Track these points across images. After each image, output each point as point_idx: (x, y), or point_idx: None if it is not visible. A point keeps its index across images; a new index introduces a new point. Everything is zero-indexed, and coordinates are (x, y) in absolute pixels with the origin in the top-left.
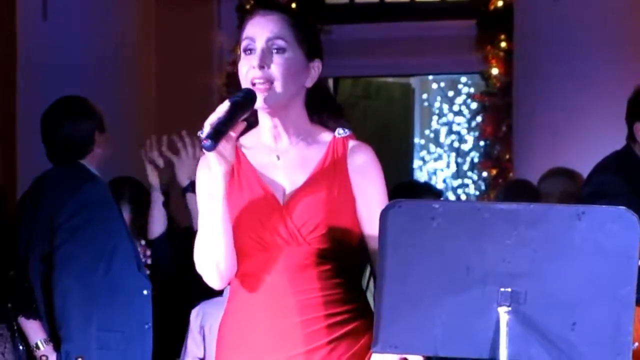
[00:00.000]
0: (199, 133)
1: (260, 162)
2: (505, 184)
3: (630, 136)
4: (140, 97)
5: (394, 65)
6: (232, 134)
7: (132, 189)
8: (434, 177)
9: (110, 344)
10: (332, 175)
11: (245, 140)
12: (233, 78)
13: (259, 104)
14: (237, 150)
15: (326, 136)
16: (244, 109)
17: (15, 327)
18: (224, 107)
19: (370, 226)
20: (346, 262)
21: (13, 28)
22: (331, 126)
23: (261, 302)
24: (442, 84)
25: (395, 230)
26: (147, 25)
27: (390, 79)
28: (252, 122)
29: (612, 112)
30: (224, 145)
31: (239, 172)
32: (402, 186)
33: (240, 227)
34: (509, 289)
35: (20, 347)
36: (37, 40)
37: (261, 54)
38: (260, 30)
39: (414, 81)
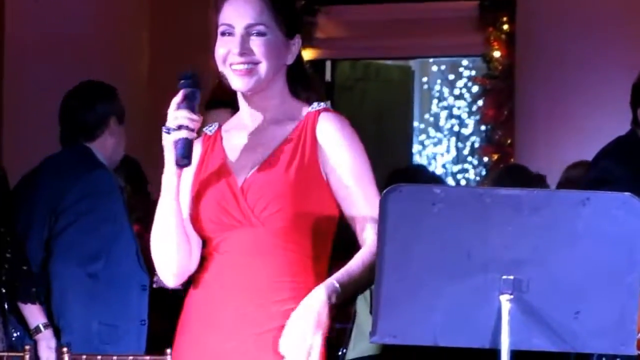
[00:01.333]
0: (163, 129)
1: (233, 144)
2: (500, 168)
3: (635, 121)
4: (131, 78)
5: (394, 47)
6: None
7: (129, 167)
8: (433, 162)
9: (104, 338)
10: (296, 150)
11: (229, 123)
12: None
13: (240, 87)
14: (218, 133)
15: (302, 109)
16: (195, 100)
17: (8, 312)
18: (182, 114)
19: (346, 202)
20: (311, 243)
21: (1, 8)
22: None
23: (219, 282)
24: (443, 67)
25: (395, 215)
26: (141, 5)
27: (389, 61)
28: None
29: (616, 96)
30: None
31: (210, 157)
32: (403, 170)
33: (203, 212)
34: (511, 277)
35: (16, 334)
36: (27, 21)
37: (241, 39)
38: (237, 16)
39: (414, 64)
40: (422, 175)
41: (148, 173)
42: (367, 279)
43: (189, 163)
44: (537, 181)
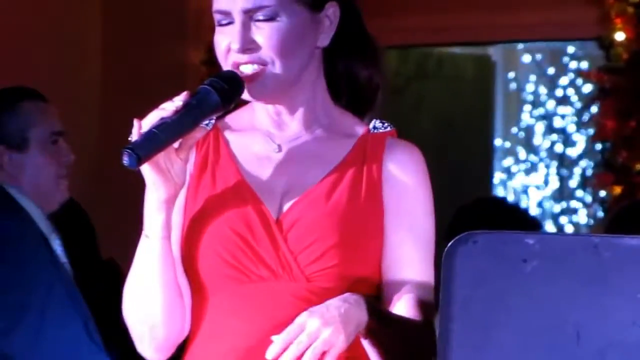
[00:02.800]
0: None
1: (251, 152)
2: (623, 207)
3: None
4: (79, 75)
5: (465, 27)
6: (177, 145)
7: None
8: (524, 198)
9: None
10: (357, 182)
11: (233, 119)
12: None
13: (247, 97)
14: (218, 132)
15: (356, 128)
16: (204, 111)
17: None
18: (172, 104)
19: (392, 260)
20: None
21: None
22: (364, 114)
23: (233, 352)
24: (539, 56)
25: (467, 278)
26: None
27: (458, 49)
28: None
29: None
30: (169, 159)
31: (215, 167)
32: (474, 209)
33: (210, 248)
34: None
35: None
36: None
37: (242, 30)
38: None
39: (495, 52)
40: (508, 217)
41: (96, 213)
42: (415, 345)
43: (137, 164)
44: None
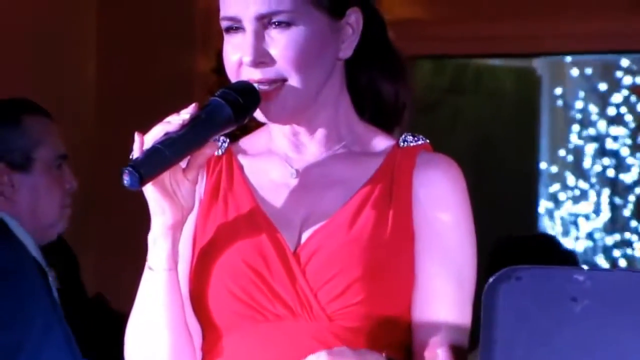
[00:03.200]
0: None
1: (268, 179)
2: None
3: None
4: (70, 84)
5: (506, 37)
6: (184, 164)
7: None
8: (572, 229)
9: None
10: (384, 206)
11: (248, 142)
12: None
13: (262, 118)
14: (231, 157)
15: (383, 145)
16: (214, 126)
17: None
18: (178, 117)
19: (422, 296)
20: (391, 345)
21: None
22: (390, 130)
23: None
24: (589, 70)
25: (509, 318)
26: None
27: (499, 61)
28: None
29: None
30: (175, 179)
31: (228, 194)
32: (515, 242)
33: (221, 283)
34: None
35: None
36: None
37: (254, 41)
38: (245, 2)
39: (540, 65)
40: (554, 251)
41: (81, 249)
42: None
43: (139, 184)
44: None
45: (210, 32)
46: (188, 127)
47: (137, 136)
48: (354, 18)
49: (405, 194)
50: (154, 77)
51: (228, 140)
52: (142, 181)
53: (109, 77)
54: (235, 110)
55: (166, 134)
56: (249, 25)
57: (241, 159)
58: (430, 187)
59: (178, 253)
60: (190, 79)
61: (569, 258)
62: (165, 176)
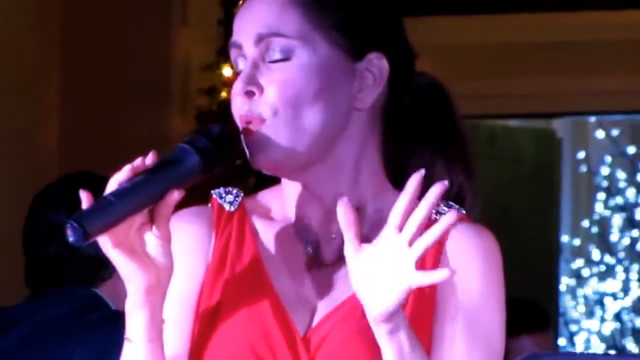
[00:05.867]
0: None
1: (282, 249)
2: None
3: None
4: (34, 139)
5: (524, 96)
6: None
7: None
8: (597, 309)
9: None
10: None
11: (265, 199)
12: (208, 118)
13: (252, 162)
14: (244, 216)
15: None
16: (175, 175)
17: None
18: (131, 165)
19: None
20: None
21: None
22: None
23: None
24: (615, 132)
25: None
26: (48, 23)
27: (516, 122)
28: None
29: None
30: (141, 236)
31: (235, 262)
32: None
33: None
34: None
35: None
36: None
37: (250, 69)
38: (246, 24)
39: (561, 126)
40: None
41: None
42: None
43: (84, 239)
44: None
45: (189, 88)
46: (144, 175)
47: (81, 192)
48: (377, 64)
49: (432, 269)
50: (124, 138)
51: (242, 195)
52: (87, 236)
53: (74, 137)
54: (203, 157)
55: (119, 183)
56: (249, 52)
57: (255, 221)
58: (460, 255)
59: (160, 320)
60: (165, 142)
61: None
62: (130, 235)
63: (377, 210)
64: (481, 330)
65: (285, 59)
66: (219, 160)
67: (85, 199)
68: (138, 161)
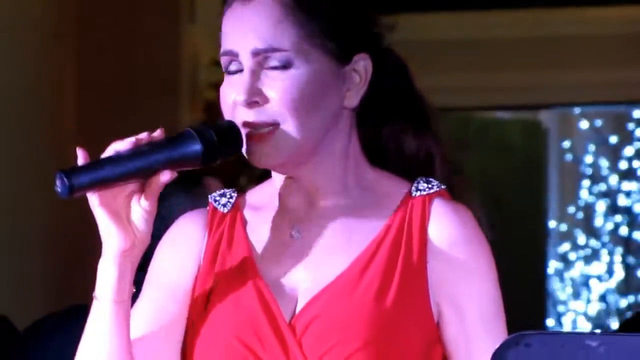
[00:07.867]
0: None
1: (269, 237)
2: None
3: None
4: (49, 133)
5: (512, 89)
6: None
7: None
8: (584, 290)
9: None
10: (392, 265)
11: (255, 194)
12: (216, 111)
13: (255, 162)
14: (237, 213)
15: (396, 191)
16: (174, 157)
17: None
18: (134, 137)
19: (460, 357)
20: None
21: None
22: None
23: None
24: (599, 122)
25: None
26: (66, 20)
27: (504, 114)
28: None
29: None
30: (127, 204)
31: (226, 256)
32: None
33: (212, 352)
34: None
35: None
36: None
37: (249, 79)
38: (241, 34)
39: (547, 117)
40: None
41: None
42: None
43: (68, 192)
44: None
45: (197, 82)
46: (142, 149)
47: (78, 149)
48: (362, 65)
49: (419, 246)
50: (136, 131)
51: (235, 195)
52: (72, 190)
53: (90, 128)
54: (206, 148)
55: (116, 151)
56: (246, 61)
57: (246, 213)
58: (443, 237)
59: (128, 285)
60: (174, 134)
61: None
62: (118, 199)
63: (362, 190)
64: (497, 319)
65: (284, 67)
66: (219, 154)
67: (81, 156)
68: (144, 135)
